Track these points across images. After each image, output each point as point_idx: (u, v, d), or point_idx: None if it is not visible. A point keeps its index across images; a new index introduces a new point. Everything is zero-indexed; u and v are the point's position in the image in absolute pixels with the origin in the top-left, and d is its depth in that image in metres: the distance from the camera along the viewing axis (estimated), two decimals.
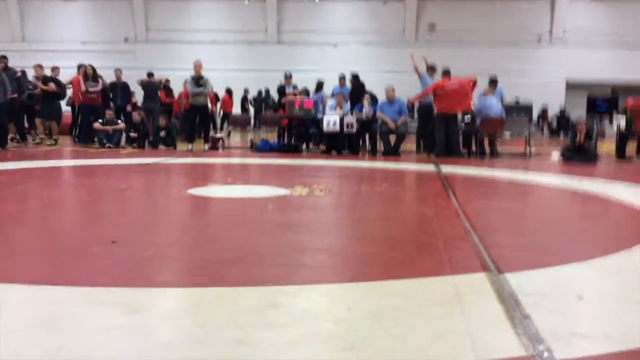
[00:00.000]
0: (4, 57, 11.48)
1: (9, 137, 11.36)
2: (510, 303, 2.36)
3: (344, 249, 3.47)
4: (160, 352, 1.85)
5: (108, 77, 13.58)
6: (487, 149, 11.02)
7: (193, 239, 3.64)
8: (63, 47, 24.03)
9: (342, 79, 12.33)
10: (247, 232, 3.82)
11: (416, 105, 12.38)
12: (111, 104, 12.63)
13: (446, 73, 10.81)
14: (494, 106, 10.76)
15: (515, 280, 2.69)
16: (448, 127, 10.35)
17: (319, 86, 12.58)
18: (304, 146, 11.48)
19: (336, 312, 2.26)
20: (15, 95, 11.35)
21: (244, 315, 2.18)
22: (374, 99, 11.64)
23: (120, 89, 13.08)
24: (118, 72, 13.25)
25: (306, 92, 12.38)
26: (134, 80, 13.92)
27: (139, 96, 14.91)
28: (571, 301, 2.47)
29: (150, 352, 1.84)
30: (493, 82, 11.11)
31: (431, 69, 11.28)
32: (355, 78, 12.48)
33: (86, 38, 25.21)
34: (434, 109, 10.72)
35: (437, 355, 1.86)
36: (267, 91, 19.12)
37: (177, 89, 14.98)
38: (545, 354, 1.87)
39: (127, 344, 1.91)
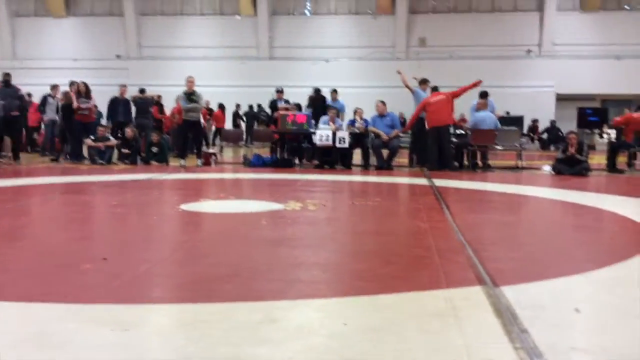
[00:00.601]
0: (7, 74, 11.49)
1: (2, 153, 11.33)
2: (507, 317, 2.34)
3: (339, 263, 3.44)
4: None
5: (100, 94, 13.55)
6: (479, 162, 11.04)
7: (186, 255, 3.60)
8: (55, 65, 23.99)
9: (333, 92, 12.39)
10: (240, 247, 3.79)
11: (408, 119, 12.42)
12: (107, 121, 12.56)
13: (433, 90, 10.90)
14: (488, 119, 10.80)
15: (512, 293, 2.67)
16: (441, 140, 10.37)
17: (311, 101, 12.61)
18: (297, 161, 11.46)
19: (331, 327, 2.23)
20: (17, 113, 11.30)
21: (237, 331, 2.15)
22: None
23: (122, 105, 12.76)
24: (123, 88, 12.96)
25: (298, 107, 12.38)
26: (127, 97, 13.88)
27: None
28: (569, 314, 2.45)
29: None
30: (484, 95, 11.16)
31: (423, 82, 11.33)
32: (317, 92, 12.60)
33: (78, 55, 25.19)
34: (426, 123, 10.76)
35: None
36: (260, 106, 19.14)
37: (169, 104, 14.96)
38: None
39: None
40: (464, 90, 10.63)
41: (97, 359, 1.88)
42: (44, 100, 13.57)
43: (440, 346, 2.05)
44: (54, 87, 13.63)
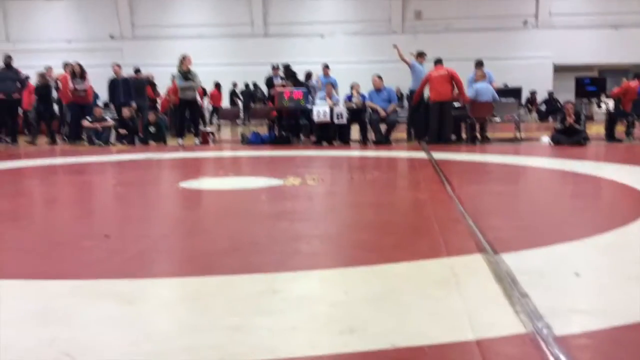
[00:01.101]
0: (9, 57, 11.40)
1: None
2: (507, 282, 2.36)
3: (339, 235, 3.45)
4: (156, 341, 1.82)
5: (95, 75, 13.44)
6: (478, 135, 11.02)
7: (186, 231, 3.61)
8: (48, 46, 23.77)
9: (325, 67, 12.32)
10: (240, 222, 3.80)
11: (405, 92, 12.37)
12: (109, 104, 12.36)
13: (437, 62, 10.81)
14: (489, 91, 10.75)
15: (512, 260, 2.68)
16: (442, 115, 10.36)
17: (308, 77, 12.54)
18: (295, 137, 11.44)
19: (333, 297, 2.25)
20: (19, 97, 11.23)
21: (240, 303, 2.16)
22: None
23: (122, 86, 12.31)
24: (116, 67, 12.61)
25: (295, 79, 12.29)
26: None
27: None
28: (568, 278, 2.47)
29: (146, 342, 1.82)
30: (480, 64, 11.10)
31: (420, 56, 11.26)
32: (287, 68, 12.52)
33: (71, 36, 24.96)
34: (425, 97, 10.72)
35: (436, 335, 1.85)
36: (255, 84, 19.05)
37: (164, 84, 14.84)
38: (545, 331, 1.86)
39: (121, 334, 1.88)
40: (459, 85, 10.58)
41: (102, 332, 1.90)
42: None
43: (441, 312, 2.07)
44: (48, 70, 13.54)
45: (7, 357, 1.71)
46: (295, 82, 11.82)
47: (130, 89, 12.27)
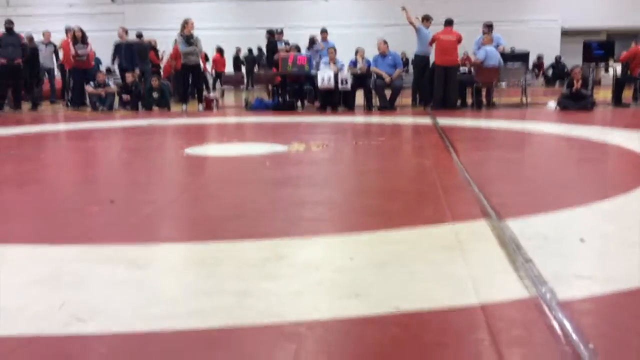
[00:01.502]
0: (10, 22, 11.28)
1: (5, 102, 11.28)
2: (511, 247, 2.37)
3: (344, 201, 3.46)
4: (165, 304, 1.85)
5: (97, 39, 13.31)
6: (484, 100, 10.94)
7: (192, 197, 3.63)
8: (49, 11, 23.50)
9: (323, 32, 12.17)
10: (245, 189, 3.81)
11: (411, 57, 12.23)
12: (114, 67, 12.20)
13: (447, 23, 10.63)
14: (495, 56, 10.63)
15: (516, 225, 2.69)
16: (447, 80, 10.27)
17: (311, 42, 12.38)
18: (299, 103, 11.37)
19: (338, 262, 2.26)
20: (20, 62, 11.16)
21: (246, 268, 2.18)
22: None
23: (125, 50, 12.03)
24: (122, 30, 12.32)
25: (297, 49, 12.17)
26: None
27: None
28: (573, 244, 2.48)
29: (155, 305, 1.84)
30: (490, 27, 10.94)
31: (426, 19, 11.08)
32: (269, 33, 12.36)
33: (72, 0, 24.66)
34: (430, 61, 10.60)
35: (441, 299, 1.87)
36: (260, 49, 18.84)
37: (167, 49, 14.69)
38: (548, 295, 1.88)
39: (131, 298, 1.91)
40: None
41: (111, 296, 1.92)
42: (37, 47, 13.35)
43: (446, 277, 2.08)
44: (45, 34, 13.44)
45: (17, 321, 1.74)
46: (276, 48, 11.71)
47: (134, 54, 12.12)
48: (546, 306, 1.80)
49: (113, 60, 12.31)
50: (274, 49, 12.28)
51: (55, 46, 13.70)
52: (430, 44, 10.55)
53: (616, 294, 1.93)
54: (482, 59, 10.41)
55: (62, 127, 8.93)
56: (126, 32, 12.46)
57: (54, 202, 3.55)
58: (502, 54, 10.99)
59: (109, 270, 2.18)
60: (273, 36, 12.53)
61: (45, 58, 13.30)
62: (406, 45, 15.02)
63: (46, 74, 13.65)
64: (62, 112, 11.66)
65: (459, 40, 10.36)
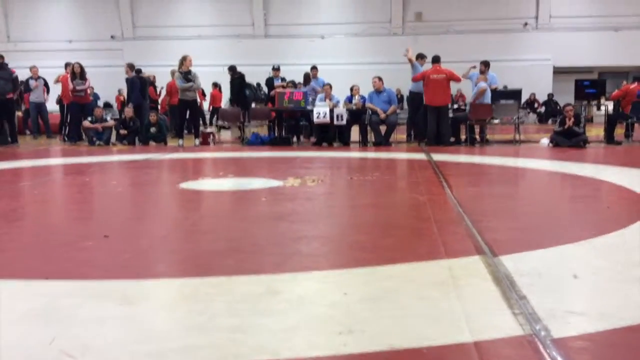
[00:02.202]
0: (1, 56, 11.37)
1: None
2: (505, 284, 2.37)
3: (338, 236, 3.47)
4: (157, 340, 1.83)
5: (95, 75, 13.44)
6: (477, 137, 11.04)
7: (186, 231, 3.62)
8: (49, 47, 23.77)
9: (313, 69, 12.34)
10: (240, 223, 3.81)
11: (406, 94, 12.38)
12: (106, 102, 12.20)
13: (434, 61, 10.79)
14: (488, 93, 10.78)
15: (510, 262, 2.70)
16: (439, 117, 10.38)
17: (306, 79, 12.55)
18: (295, 138, 11.45)
19: (332, 297, 2.26)
20: (11, 96, 11.23)
21: (240, 303, 2.17)
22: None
23: (130, 85, 12.06)
24: (127, 67, 12.33)
25: (294, 85, 12.32)
26: (122, 77, 13.75)
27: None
28: (566, 280, 2.48)
29: (146, 341, 1.83)
30: (487, 65, 11.13)
31: (420, 57, 11.25)
32: (232, 70, 12.52)
33: (72, 36, 24.96)
34: (425, 98, 10.73)
35: (435, 336, 1.86)
36: (258, 84, 19.03)
37: (165, 84, 14.82)
38: (543, 333, 1.88)
39: (122, 334, 1.89)
40: (457, 81, 10.66)
41: (103, 332, 1.91)
42: (26, 83, 13.46)
43: (439, 313, 2.08)
44: (32, 69, 13.54)
45: (8, 356, 1.72)
46: (242, 83, 11.80)
47: (144, 89, 12.18)
48: (540, 344, 1.80)
49: (129, 95, 12.31)
50: (272, 84, 12.43)
51: (45, 80, 13.80)
52: (417, 79, 10.65)
53: (610, 331, 1.93)
54: (486, 86, 10.57)
55: (57, 161, 8.94)
56: (132, 68, 12.41)
57: (47, 237, 3.54)
58: (495, 92, 11.14)
59: (101, 306, 2.16)
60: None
61: (36, 93, 13.39)
62: (401, 82, 15.22)
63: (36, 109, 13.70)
64: (58, 146, 11.69)
65: (451, 76, 10.48)
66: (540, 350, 1.75)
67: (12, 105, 11.40)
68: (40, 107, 13.76)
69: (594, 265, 2.77)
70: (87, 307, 2.15)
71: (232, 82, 12.74)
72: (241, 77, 12.53)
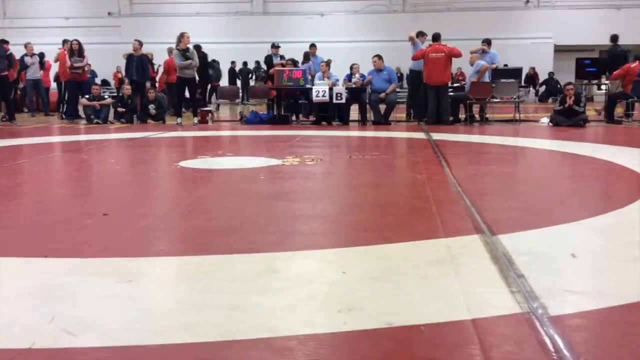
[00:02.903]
0: None
1: None
2: (504, 263, 2.38)
3: (337, 215, 3.47)
4: (156, 318, 1.84)
5: (93, 52, 13.33)
6: (477, 115, 11.01)
7: (185, 210, 3.62)
8: (46, 24, 23.57)
9: (312, 47, 12.26)
10: (239, 202, 3.81)
11: (406, 72, 12.32)
12: (126, 79, 12.01)
13: (434, 39, 10.70)
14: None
15: (509, 241, 2.70)
16: (439, 97, 10.33)
17: (306, 57, 12.47)
18: (294, 117, 11.41)
19: (331, 276, 2.27)
20: (6, 73, 11.15)
21: (239, 282, 2.18)
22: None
23: (136, 62, 11.72)
24: (136, 43, 11.89)
25: (293, 63, 12.25)
26: (119, 55, 13.66)
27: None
28: (564, 260, 2.49)
29: (146, 319, 1.84)
30: (489, 43, 11.08)
31: (421, 35, 11.15)
32: (196, 49, 12.40)
33: (69, 14, 24.73)
34: (424, 76, 10.68)
35: (433, 314, 1.87)
36: (257, 63, 18.92)
37: (163, 62, 14.71)
38: (540, 311, 1.89)
39: (122, 311, 1.90)
40: (459, 55, 10.55)
41: (102, 310, 1.91)
42: (22, 60, 13.37)
43: (437, 292, 2.09)
44: (27, 46, 13.44)
45: (8, 334, 1.73)
46: (205, 62, 11.70)
47: (146, 67, 12.01)
48: (538, 321, 1.81)
49: (127, 72, 12.12)
50: (272, 62, 12.36)
51: (41, 57, 13.69)
52: (417, 57, 10.56)
53: (607, 309, 1.94)
54: (492, 62, 10.54)
55: (55, 139, 8.91)
56: (141, 44, 12.05)
57: (46, 215, 3.54)
58: (495, 70, 11.08)
59: (100, 283, 2.17)
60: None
61: (32, 70, 13.31)
62: (401, 60, 15.14)
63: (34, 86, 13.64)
64: (56, 124, 11.64)
65: (451, 52, 10.39)
66: (538, 328, 1.76)
67: (8, 82, 11.31)
68: (37, 84, 13.68)
69: (593, 245, 2.77)
70: (86, 285, 2.16)
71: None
72: (204, 56, 12.43)
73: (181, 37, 10.73)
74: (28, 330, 1.75)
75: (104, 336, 1.71)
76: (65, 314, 1.87)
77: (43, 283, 2.17)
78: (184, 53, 10.67)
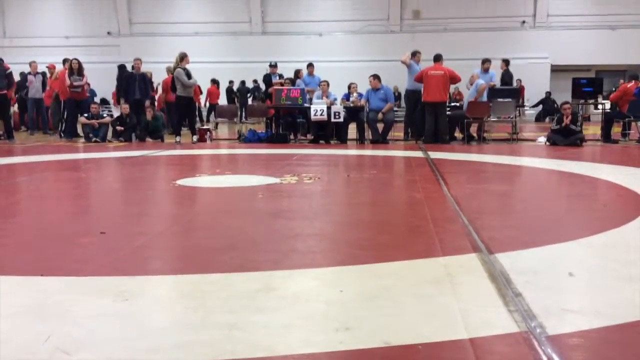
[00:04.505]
0: None
1: None
2: (501, 282, 2.38)
3: (334, 233, 3.47)
4: (152, 337, 1.83)
5: (92, 71, 13.39)
6: (475, 134, 11.05)
7: (183, 228, 3.62)
8: (46, 43, 23.70)
9: (309, 66, 12.34)
10: (237, 220, 3.81)
11: (403, 91, 12.40)
12: (122, 100, 12.00)
13: (436, 59, 10.78)
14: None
15: (506, 259, 2.70)
16: (437, 115, 10.39)
17: (296, 75, 12.57)
18: (292, 136, 11.44)
19: (328, 295, 2.26)
20: (5, 92, 11.19)
21: (236, 300, 2.17)
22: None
23: (138, 81, 11.67)
24: (137, 61, 11.86)
25: (292, 82, 12.33)
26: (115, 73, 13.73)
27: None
28: (562, 279, 2.49)
29: (142, 338, 1.82)
30: (489, 62, 11.20)
31: (415, 54, 11.22)
32: (121, 68, 12.40)
33: (69, 33, 24.90)
34: (422, 96, 10.75)
35: (430, 333, 1.87)
36: (256, 82, 19.00)
37: (160, 81, 14.78)
38: (538, 330, 1.88)
39: (117, 331, 1.89)
40: (458, 79, 10.67)
41: (98, 329, 1.90)
42: (25, 78, 13.42)
43: (435, 310, 2.08)
44: (32, 64, 13.52)
45: (3, 352, 1.71)
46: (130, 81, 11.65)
47: (148, 86, 12.01)
48: (536, 341, 1.80)
49: (125, 92, 12.05)
50: (270, 81, 12.43)
51: (43, 76, 13.75)
52: (418, 78, 10.65)
53: (605, 328, 1.93)
54: (490, 81, 10.62)
55: (53, 157, 8.92)
56: (141, 62, 12.03)
57: (43, 233, 3.53)
58: (493, 90, 11.16)
59: (97, 302, 2.16)
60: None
61: (35, 89, 13.36)
62: (398, 79, 15.19)
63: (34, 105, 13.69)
64: (55, 143, 11.66)
65: (450, 75, 10.49)
66: (536, 347, 1.76)
67: (7, 101, 11.35)
68: (39, 103, 13.73)
69: (590, 264, 2.77)
70: (82, 303, 2.14)
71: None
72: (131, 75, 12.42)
73: (184, 56, 10.78)
74: (23, 348, 1.74)
75: (99, 355, 1.70)
76: (61, 332, 1.86)
77: (39, 301, 2.16)
78: (188, 73, 10.73)
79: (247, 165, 7.83)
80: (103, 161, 8.08)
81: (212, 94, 18.67)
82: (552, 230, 3.48)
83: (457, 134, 10.98)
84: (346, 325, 1.93)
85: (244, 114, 16.22)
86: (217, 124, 15.68)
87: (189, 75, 10.70)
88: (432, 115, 10.38)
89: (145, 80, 11.88)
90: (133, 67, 11.90)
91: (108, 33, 25.34)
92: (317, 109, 10.45)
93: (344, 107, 10.60)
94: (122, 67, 13.02)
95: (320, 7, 24.59)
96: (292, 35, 24.19)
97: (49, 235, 3.46)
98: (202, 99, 17.91)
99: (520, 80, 21.69)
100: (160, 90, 14.77)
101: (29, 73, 13.47)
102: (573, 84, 11.89)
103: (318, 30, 24.24)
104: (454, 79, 10.60)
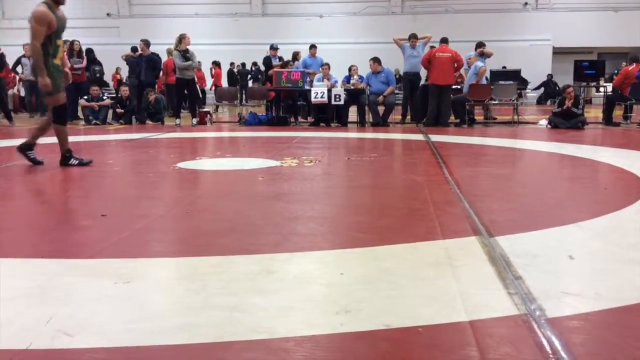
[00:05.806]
0: None
1: None
2: (501, 265, 2.38)
3: (335, 216, 3.47)
4: (153, 319, 1.84)
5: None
6: (478, 117, 11.02)
7: (183, 211, 3.62)
8: None
9: (312, 47, 12.27)
10: (237, 203, 3.81)
11: (401, 74, 12.37)
12: (126, 81, 11.90)
13: (443, 41, 10.73)
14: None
15: (506, 242, 2.71)
16: (441, 98, 10.35)
17: (294, 58, 12.50)
18: (292, 118, 11.41)
19: (329, 277, 2.27)
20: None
21: (236, 283, 2.18)
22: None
23: (145, 62, 11.73)
24: (143, 44, 11.84)
25: (286, 64, 12.24)
26: (118, 56, 13.66)
27: (124, 72, 14.61)
28: (562, 262, 2.49)
29: (143, 320, 1.83)
30: (483, 46, 11.16)
31: (413, 37, 11.12)
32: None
33: (68, 14, 24.40)
34: (421, 79, 10.71)
35: (430, 315, 1.87)
36: (255, 64, 18.91)
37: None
38: (538, 313, 1.89)
39: (119, 313, 1.90)
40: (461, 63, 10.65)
41: (100, 311, 1.91)
42: (18, 60, 13.33)
43: (435, 293, 2.09)
44: (25, 46, 13.43)
45: (5, 335, 1.72)
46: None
47: (152, 68, 11.94)
48: (535, 323, 1.81)
49: (130, 76, 12.01)
50: (270, 64, 12.36)
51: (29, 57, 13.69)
52: (425, 59, 10.59)
53: (605, 311, 1.94)
54: (485, 66, 10.61)
55: (53, 140, 8.89)
56: (148, 45, 11.94)
57: (44, 216, 3.54)
58: (494, 72, 11.13)
59: (98, 284, 2.16)
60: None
61: (28, 71, 13.30)
62: (399, 61, 15.11)
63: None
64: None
65: (456, 57, 10.44)
66: (535, 330, 1.77)
67: (1, 82, 11.30)
68: (34, 86, 13.66)
69: (590, 247, 2.78)
70: (84, 285, 2.15)
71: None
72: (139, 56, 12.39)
73: (182, 38, 10.71)
74: (25, 331, 1.75)
75: (101, 337, 1.70)
76: (63, 314, 1.86)
77: (40, 284, 2.17)
78: (184, 54, 10.66)
79: (248, 148, 7.82)
80: (103, 144, 8.07)
81: (218, 76, 18.55)
82: (552, 213, 3.48)
83: (451, 118, 10.95)
84: (346, 307, 1.93)
85: (244, 96, 16.17)
86: (217, 106, 15.62)
87: (186, 57, 10.63)
88: (436, 98, 10.34)
89: (154, 62, 11.80)
90: (136, 49, 11.83)
91: (107, 14, 25.16)
92: (318, 91, 10.41)
93: (345, 90, 10.56)
94: (134, 50, 13.01)
95: None
96: (292, 16, 24.02)
97: (49, 218, 3.46)
98: (209, 82, 17.82)
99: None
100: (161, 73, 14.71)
101: (23, 56, 13.37)
102: (575, 67, 11.83)
103: (318, 11, 24.06)
104: (459, 62, 10.56)
